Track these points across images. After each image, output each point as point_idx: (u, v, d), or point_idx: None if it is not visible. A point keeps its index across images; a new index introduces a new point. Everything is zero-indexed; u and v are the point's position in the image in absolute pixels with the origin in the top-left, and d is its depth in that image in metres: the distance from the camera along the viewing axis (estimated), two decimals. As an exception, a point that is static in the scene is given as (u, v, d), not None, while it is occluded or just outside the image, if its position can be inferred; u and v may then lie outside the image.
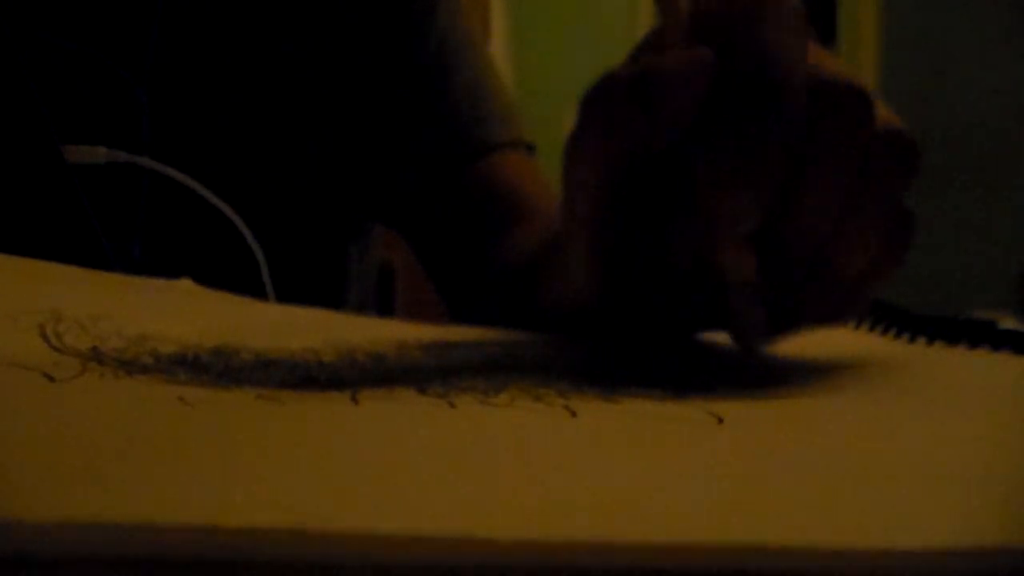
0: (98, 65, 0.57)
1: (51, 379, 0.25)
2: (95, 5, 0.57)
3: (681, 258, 0.30)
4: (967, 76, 2.88)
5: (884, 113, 0.30)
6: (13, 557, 0.14)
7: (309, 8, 0.61)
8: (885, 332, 0.39)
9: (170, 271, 0.43)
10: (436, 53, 0.63)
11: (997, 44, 2.87)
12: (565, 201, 0.33)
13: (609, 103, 0.29)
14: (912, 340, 0.38)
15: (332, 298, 0.64)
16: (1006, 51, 2.86)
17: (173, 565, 0.15)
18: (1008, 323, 0.37)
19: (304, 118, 0.61)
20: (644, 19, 2.83)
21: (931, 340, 0.37)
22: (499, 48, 2.18)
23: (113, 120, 0.57)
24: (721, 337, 0.35)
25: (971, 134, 2.88)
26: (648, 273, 0.32)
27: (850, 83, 0.29)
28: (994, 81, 2.87)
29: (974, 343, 0.36)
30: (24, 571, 0.14)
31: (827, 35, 2.88)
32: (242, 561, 0.15)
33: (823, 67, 0.29)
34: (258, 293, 0.54)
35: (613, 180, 0.30)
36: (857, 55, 2.91)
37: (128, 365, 0.28)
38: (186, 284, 0.42)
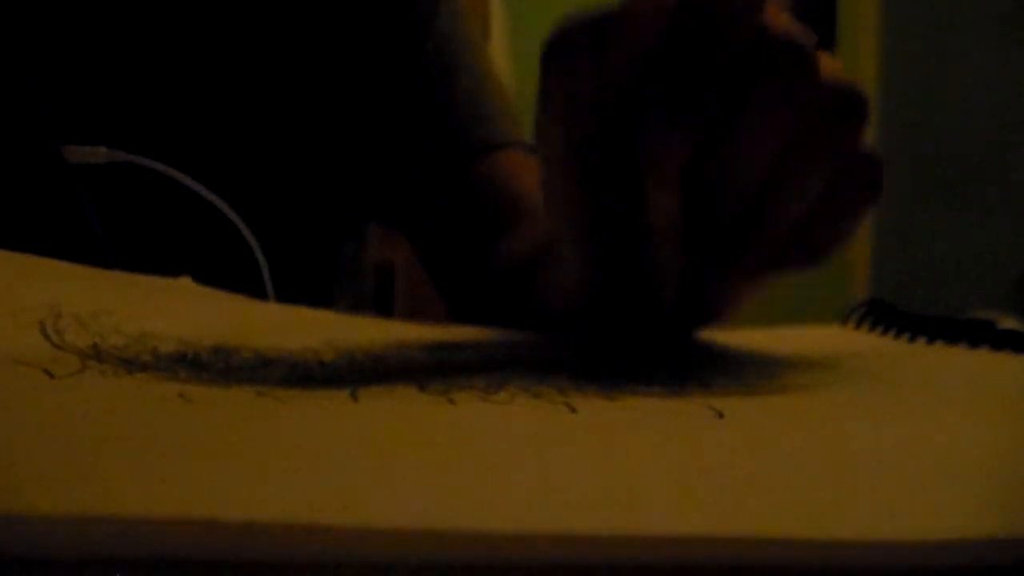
0: (98, 65, 0.57)
1: (51, 376, 0.25)
2: (95, 5, 0.57)
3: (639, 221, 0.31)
4: (967, 76, 2.88)
5: (832, 68, 0.31)
6: (13, 556, 0.14)
7: (310, 8, 0.61)
8: (885, 332, 0.39)
9: (170, 270, 0.43)
10: (437, 54, 0.64)
11: (997, 44, 2.87)
12: (541, 168, 0.33)
13: (570, 46, 0.30)
14: (912, 340, 0.38)
15: (326, 297, 0.64)
16: (1006, 51, 2.86)
17: (173, 565, 0.15)
18: (1008, 323, 0.37)
19: (306, 118, 0.61)
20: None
21: (931, 340, 0.37)
22: (499, 48, 2.18)
23: (113, 120, 0.57)
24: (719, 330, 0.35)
25: (971, 134, 2.87)
26: (627, 250, 0.32)
27: (791, 39, 0.30)
28: (994, 81, 2.87)
29: (974, 343, 0.36)
30: (24, 571, 0.14)
31: (827, 35, 2.88)
32: (242, 560, 0.15)
33: (772, 22, 0.30)
34: (258, 292, 0.54)
35: (580, 136, 0.31)
36: (857, 55, 2.91)
37: (128, 363, 0.28)
38: (186, 283, 0.42)
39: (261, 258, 0.55)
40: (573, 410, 0.24)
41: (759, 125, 0.30)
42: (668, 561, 0.15)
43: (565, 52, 0.30)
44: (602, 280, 0.34)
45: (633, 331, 0.35)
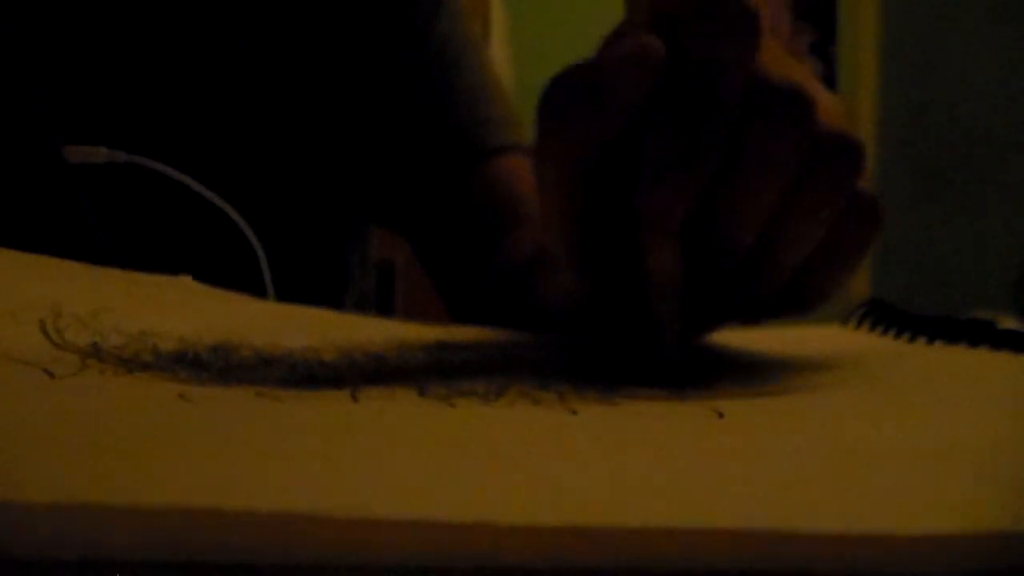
0: (98, 65, 0.57)
1: (51, 375, 0.25)
2: (94, 5, 0.57)
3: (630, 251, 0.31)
4: (967, 76, 2.88)
5: (833, 114, 0.30)
6: (13, 556, 0.14)
7: (312, 10, 0.61)
8: (885, 332, 0.39)
9: (170, 269, 0.43)
10: (437, 57, 0.64)
11: (998, 44, 2.87)
12: (540, 203, 0.33)
13: (563, 98, 0.30)
14: (912, 340, 0.38)
15: (332, 298, 0.64)
16: (1006, 51, 2.86)
17: (173, 564, 0.15)
18: (1008, 323, 0.37)
19: (306, 120, 0.61)
20: (644, 20, 2.81)
21: (931, 340, 0.37)
22: (499, 48, 2.18)
23: (113, 120, 0.57)
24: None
25: (971, 134, 2.87)
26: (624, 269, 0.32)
27: (789, 89, 0.29)
28: (994, 82, 2.87)
29: (974, 343, 0.36)
30: (24, 571, 0.14)
31: (827, 35, 2.88)
32: (240, 559, 0.15)
33: (768, 71, 0.29)
34: (258, 292, 0.54)
35: (577, 175, 0.31)
36: (857, 55, 2.91)
37: (128, 362, 0.28)
38: (186, 281, 0.42)
39: (262, 254, 0.55)
40: (574, 412, 0.24)
41: (756, 174, 0.29)
42: (668, 560, 0.15)
43: (559, 106, 0.30)
44: (601, 302, 0.34)
45: (632, 333, 0.35)
